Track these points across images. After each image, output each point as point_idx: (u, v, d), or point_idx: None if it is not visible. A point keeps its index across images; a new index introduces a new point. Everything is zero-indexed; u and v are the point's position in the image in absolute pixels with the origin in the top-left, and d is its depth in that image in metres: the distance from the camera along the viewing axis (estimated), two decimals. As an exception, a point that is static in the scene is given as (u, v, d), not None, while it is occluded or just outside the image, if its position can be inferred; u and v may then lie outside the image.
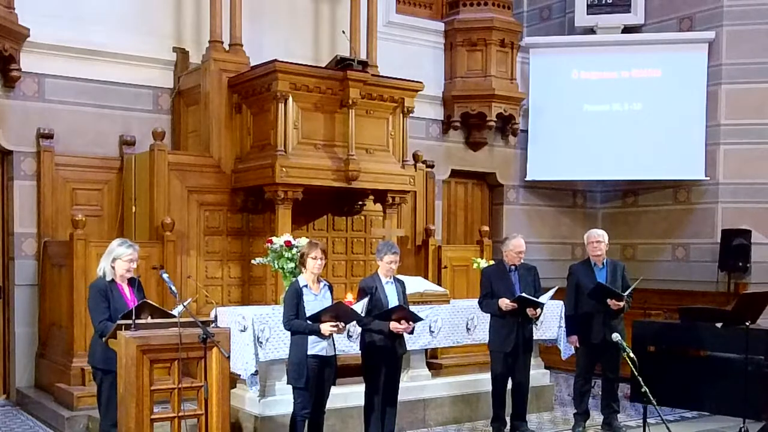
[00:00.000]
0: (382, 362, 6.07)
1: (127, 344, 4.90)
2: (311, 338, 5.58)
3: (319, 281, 5.76)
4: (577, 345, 7.28)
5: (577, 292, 7.19)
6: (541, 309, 6.74)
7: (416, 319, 6.07)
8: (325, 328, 5.51)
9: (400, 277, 6.39)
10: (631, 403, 8.38)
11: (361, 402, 6.23)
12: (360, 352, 6.27)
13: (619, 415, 7.42)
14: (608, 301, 6.90)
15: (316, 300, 5.64)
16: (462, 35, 10.83)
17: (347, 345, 6.75)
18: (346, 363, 6.50)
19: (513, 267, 6.84)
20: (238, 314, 6.56)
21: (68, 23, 8.19)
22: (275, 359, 6.48)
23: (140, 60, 8.62)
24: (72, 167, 8.24)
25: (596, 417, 7.56)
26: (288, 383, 5.78)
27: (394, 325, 5.93)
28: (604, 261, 7.20)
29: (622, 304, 6.92)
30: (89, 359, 5.60)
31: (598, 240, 7.17)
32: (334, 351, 5.78)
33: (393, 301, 6.08)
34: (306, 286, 5.68)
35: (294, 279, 5.94)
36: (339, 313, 5.57)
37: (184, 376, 5.18)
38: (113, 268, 5.40)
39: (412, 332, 6.22)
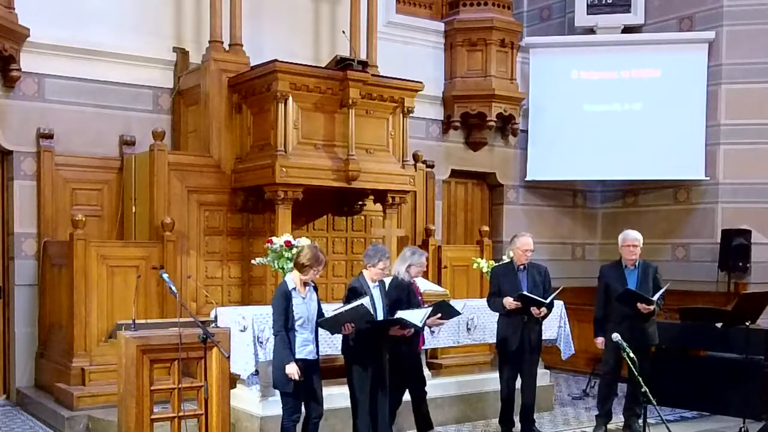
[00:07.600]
0: (367, 360, 5.99)
1: (127, 344, 4.91)
2: (299, 341, 5.53)
3: (305, 283, 5.68)
4: (603, 347, 7.12)
5: (606, 294, 7.07)
6: (547, 308, 6.67)
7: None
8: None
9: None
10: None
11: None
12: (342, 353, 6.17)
13: (618, 415, 7.41)
14: (638, 305, 6.79)
15: (303, 303, 5.59)
16: (462, 35, 10.83)
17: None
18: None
19: (522, 266, 6.80)
20: (238, 314, 6.55)
21: (68, 23, 8.18)
22: (275, 359, 6.46)
23: (140, 60, 8.61)
24: (72, 167, 8.24)
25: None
26: (275, 388, 5.67)
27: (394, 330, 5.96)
28: (637, 262, 7.05)
29: (652, 307, 6.80)
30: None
31: (634, 244, 6.98)
32: (318, 354, 5.73)
33: (380, 305, 6.04)
34: (294, 288, 5.59)
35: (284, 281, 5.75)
36: (354, 316, 5.62)
37: (184, 376, 5.19)
38: (408, 272, 6.34)
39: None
